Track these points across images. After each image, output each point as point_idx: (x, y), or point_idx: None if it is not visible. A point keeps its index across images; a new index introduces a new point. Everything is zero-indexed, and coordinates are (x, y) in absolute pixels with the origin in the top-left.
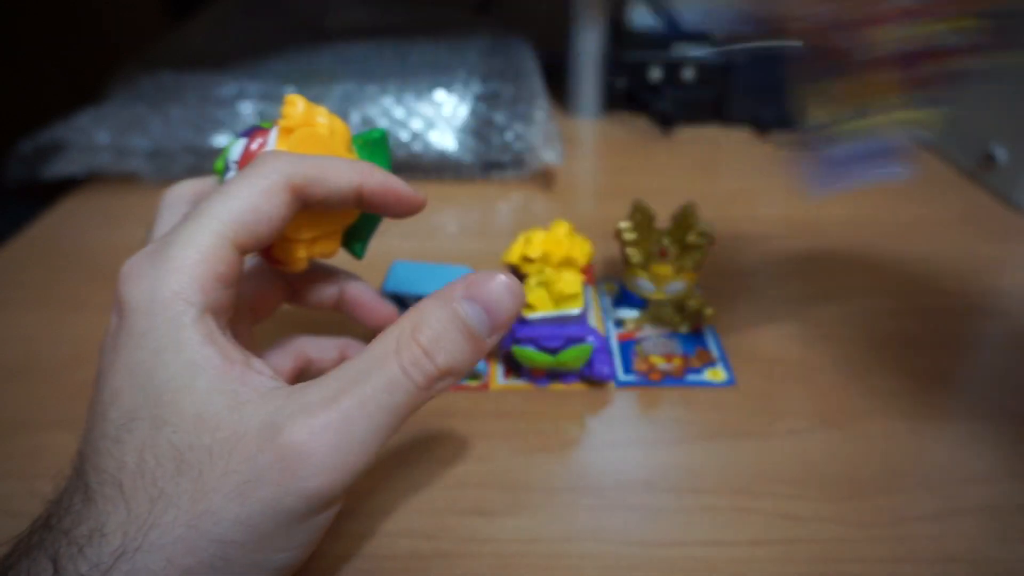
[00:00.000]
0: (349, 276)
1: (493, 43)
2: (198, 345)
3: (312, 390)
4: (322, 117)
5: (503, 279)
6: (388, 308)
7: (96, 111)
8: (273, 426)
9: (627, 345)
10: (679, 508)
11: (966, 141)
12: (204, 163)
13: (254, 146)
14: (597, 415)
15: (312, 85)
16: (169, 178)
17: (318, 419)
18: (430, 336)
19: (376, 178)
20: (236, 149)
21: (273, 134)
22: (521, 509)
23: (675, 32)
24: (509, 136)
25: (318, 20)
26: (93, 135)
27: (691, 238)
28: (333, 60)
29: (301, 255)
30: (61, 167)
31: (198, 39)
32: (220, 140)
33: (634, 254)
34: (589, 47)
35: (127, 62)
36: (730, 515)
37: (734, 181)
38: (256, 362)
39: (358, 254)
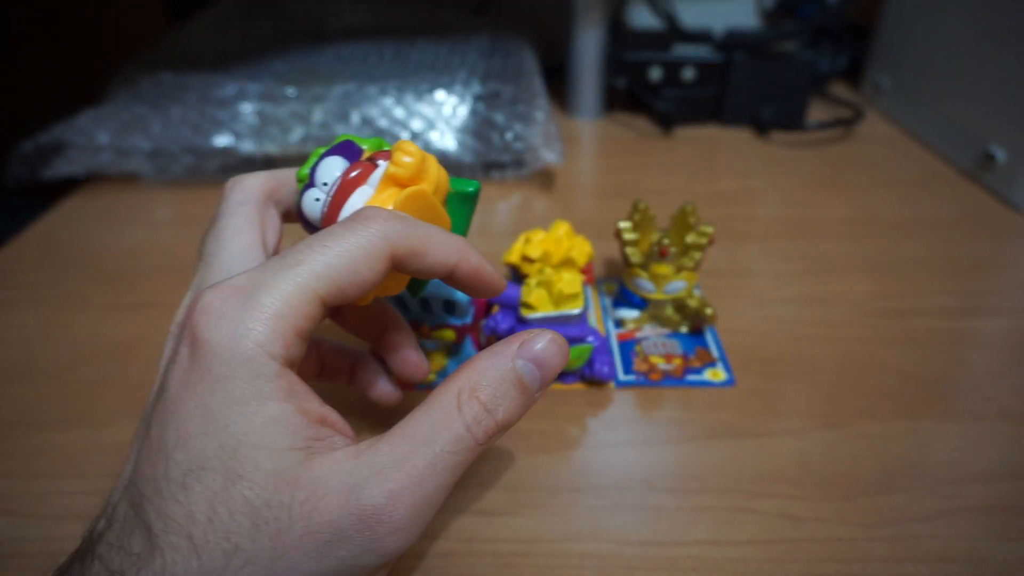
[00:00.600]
0: (398, 320)
1: (493, 43)
2: (278, 400)
3: (383, 449)
4: (431, 167)
5: (552, 337)
6: (423, 364)
7: (96, 111)
8: (353, 488)
9: (627, 345)
10: (679, 508)
11: (966, 141)
12: (204, 163)
13: (353, 174)
14: (597, 415)
15: (312, 85)
16: (169, 178)
17: (395, 482)
18: (489, 393)
19: (470, 262)
20: (330, 169)
21: (377, 174)
22: (521, 509)
23: (675, 32)
24: (509, 136)
25: (318, 21)
26: (94, 135)
27: (691, 238)
28: (333, 60)
29: (371, 296)
30: (62, 167)
31: (198, 40)
32: (220, 140)
33: (634, 254)
34: (589, 47)
35: (127, 62)
36: (730, 515)
37: (734, 181)
38: (329, 414)
39: (416, 296)
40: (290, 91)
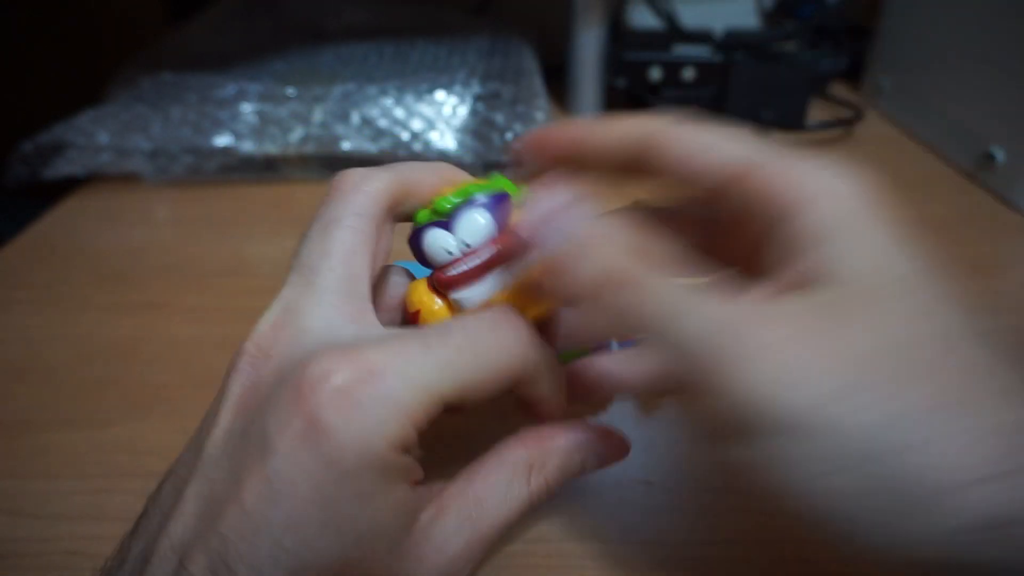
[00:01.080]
0: None
1: (493, 43)
2: (399, 487)
3: (462, 508)
4: None
5: (626, 440)
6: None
7: (96, 111)
8: (441, 549)
9: (627, 345)
10: (679, 508)
11: (966, 141)
12: (204, 163)
13: (497, 252)
14: (597, 414)
15: (312, 85)
16: (169, 178)
17: (471, 545)
18: (556, 477)
19: (556, 401)
20: (476, 229)
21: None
22: None
23: (675, 32)
24: (509, 136)
25: (318, 21)
26: (94, 135)
27: None
28: (333, 60)
29: None
30: (62, 167)
31: (198, 40)
32: (220, 140)
33: None
34: (589, 47)
35: (127, 62)
36: (730, 515)
37: None
38: (418, 467)
39: None
40: (290, 91)
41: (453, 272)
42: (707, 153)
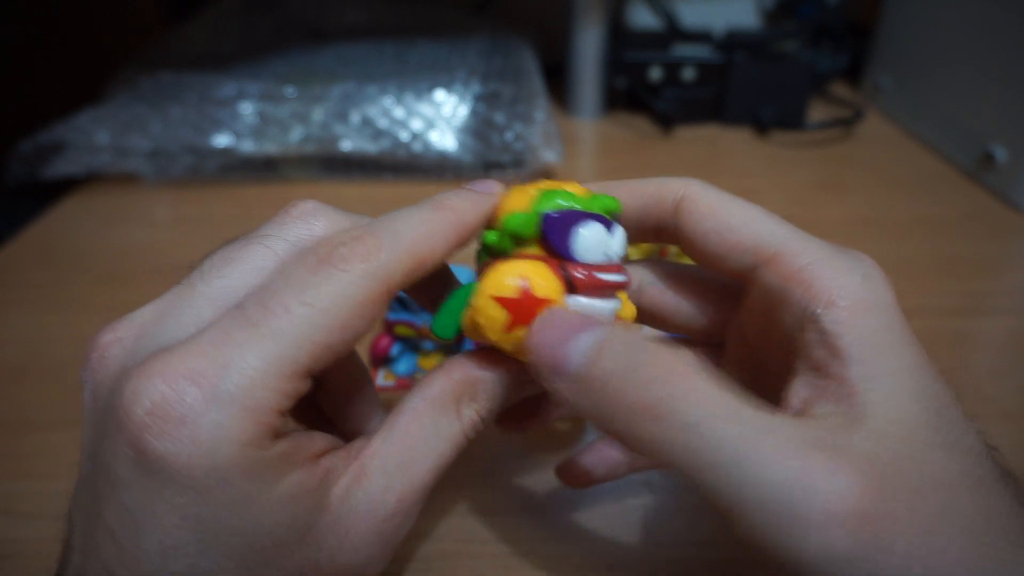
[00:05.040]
0: (363, 380)
1: (493, 43)
2: (284, 476)
3: (391, 462)
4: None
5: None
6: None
7: (96, 111)
8: (370, 513)
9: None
10: (679, 508)
11: (966, 141)
12: (204, 163)
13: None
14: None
15: (312, 85)
16: (169, 178)
17: (405, 495)
18: (490, 406)
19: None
20: (624, 243)
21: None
22: (521, 509)
23: (675, 32)
24: (509, 136)
25: (318, 20)
26: (93, 135)
27: None
28: (333, 60)
29: None
30: (61, 167)
31: (198, 39)
32: (220, 140)
33: (634, 254)
34: (589, 47)
35: (127, 62)
36: None
37: (734, 181)
38: (320, 440)
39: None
40: (290, 91)
41: (607, 278)
42: (737, 232)
